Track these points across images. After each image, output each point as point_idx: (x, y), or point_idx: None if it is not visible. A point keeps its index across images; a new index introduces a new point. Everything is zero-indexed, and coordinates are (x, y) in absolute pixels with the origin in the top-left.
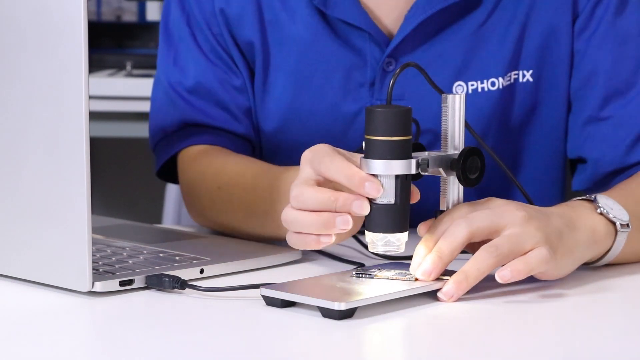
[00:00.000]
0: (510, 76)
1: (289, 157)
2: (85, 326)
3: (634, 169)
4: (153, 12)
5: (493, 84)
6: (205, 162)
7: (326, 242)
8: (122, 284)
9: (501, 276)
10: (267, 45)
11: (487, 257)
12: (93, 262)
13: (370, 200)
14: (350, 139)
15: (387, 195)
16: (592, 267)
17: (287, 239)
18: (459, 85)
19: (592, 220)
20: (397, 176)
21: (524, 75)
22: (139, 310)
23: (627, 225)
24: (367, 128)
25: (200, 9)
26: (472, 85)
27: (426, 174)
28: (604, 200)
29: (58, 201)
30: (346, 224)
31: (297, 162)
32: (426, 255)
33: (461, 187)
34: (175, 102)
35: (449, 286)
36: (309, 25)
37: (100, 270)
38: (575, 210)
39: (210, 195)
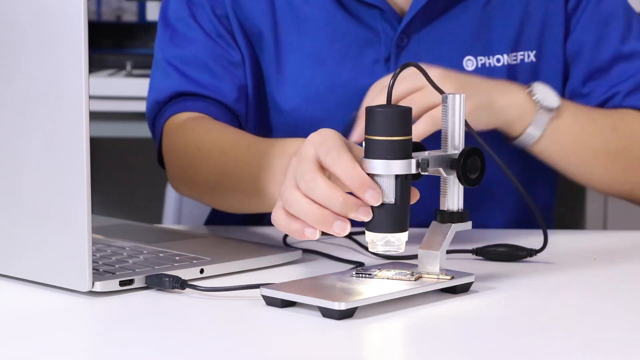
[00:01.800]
0: (516, 56)
1: (307, 133)
2: (85, 326)
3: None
4: (153, 12)
5: (498, 60)
6: (190, 126)
7: (310, 237)
8: (122, 284)
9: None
10: (279, 28)
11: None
12: (93, 262)
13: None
14: None
15: (387, 195)
16: (524, 146)
17: (275, 214)
18: (469, 59)
19: (519, 93)
20: (397, 176)
21: (528, 56)
22: (139, 310)
23: (552, 110)
24: (367, 128)
25: None
26: (481, 60)
27: (426, 173)
28: (540, 86)
29: (58, 201)
30: (343, 230)
31: None
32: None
33: (461, 187)
34: (169, 73)
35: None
36: (323, 6)
37: (100, 270)
38: (505, 83)
39: (189, 156)
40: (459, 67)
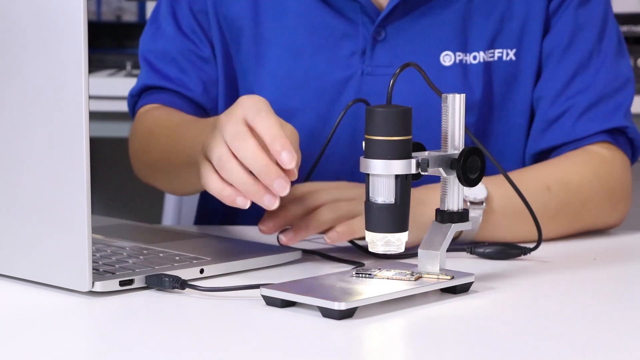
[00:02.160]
0: (493, 53)
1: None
2: (85, 326)
3: (575, 143)
4: None
5: (475, 57)
6: (148, 115)
7: (241, 205)
8: (122, 283)
9: (329, 236)
10: (260, 21)
11: (327, 213)
12: (93, 262)
13: (371, 200)
14: (342, 103)
15: (387, 195)
16: (469, 242)
17: (207, 177)
18: (447, 55)
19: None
20: (397, 176)
21: (507, 54)
22: (139, 310)
23: (482, 203)
24: (367, 128)
25: None
26: (459, 56)
27: (426, 173)
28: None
29: (58, 201)
30: (271, 204)
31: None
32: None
33: (461, 187)
34: (142, 67)
35: (291, 233)
36: (308, 1)
37: (100, 270)
38: (429, 189)
39: (142, 140)
40: (436, 62)
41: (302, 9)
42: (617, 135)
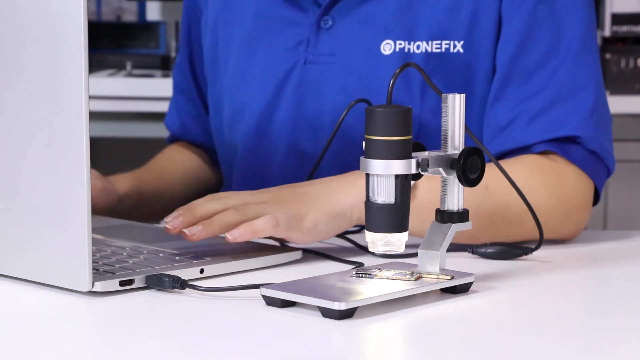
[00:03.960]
0: (440, 44)
1: (236, 118)
2: (85, 326)
3: (521, 152)
4: (153, 12)
5: (418, 47)
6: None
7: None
8: (122, 283)
9: (230, 234)
10: (228, 23)
11: (233, 214)
12: (93, 262)
13: (370, 200)
14: (286, 93)
15: (387, 195)
16: None
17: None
18: (387, 43)
19: (363, 183)
20: (397, 176)
21: (454, 46)
22: (139, 310)
23: None
24: (367, 128)
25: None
26: (400, 44)
27: (426, 173)
28: None
29: (58, 201)
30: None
31: (242, 120)
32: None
33: (461, 187)
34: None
35: (197, 228)
36: None
37: (100, 270)
38: (351, 176)
39: None
40: (376, 50)
41: (261, 5)
42: (568, 145)
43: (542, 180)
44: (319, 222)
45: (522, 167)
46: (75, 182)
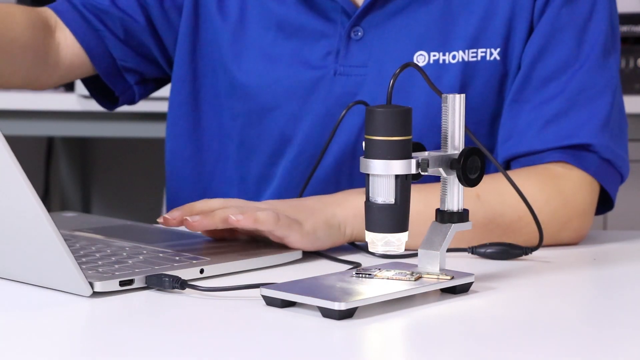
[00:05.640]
0: (476, 52)
1: (258, 120)
2: (86, 326)
3: (531, 157)
4: None
5: (454, 57)
6: None
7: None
8: (122, 284)
9: (235, 216)
10: (245, 20)
11: (233, 209)
12: (93, 262)
13: (371, 200)
14: (312, 104)
15: (387, 196)
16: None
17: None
18: (421, 54)
19: (359, 199)
20: (397, 176)
21: (491, 54)
22: (139, 310)
23: None
24: (367, 128)
25: None
26: (434, 56)
27: (426, 174)
28: None
29: (28, 227)
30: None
31: (264, 123)
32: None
33: (461, 187)
34: None
35: (197, 217)
36: (287, 1)
37: (100, 270)
38: (347, 193)
39: None
40: (409, 60)
41: (284, 11)
42: (580, 152)
43: (539, 186)
44: (318, 229)
45: (519, 173)
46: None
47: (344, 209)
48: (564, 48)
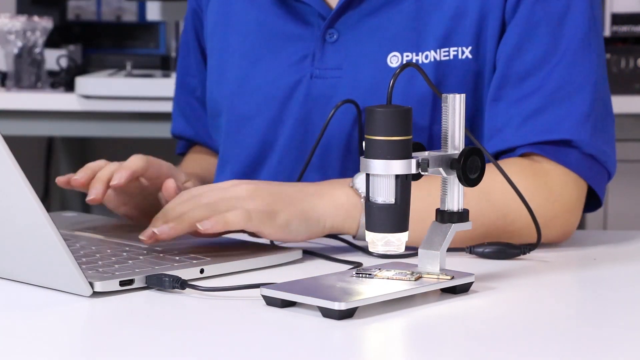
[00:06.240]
0: (448, 51)
1: (237, 128)
2: (86, 326)
3: (511, 153)
4: (153, 12)
5: (427, 57)
6: None
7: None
8: (122, 283)
9: (202, 224)
10: (227, 30)
11: (202, 210)
12: (93, 262)
13: (371, 200)
14: (291, 108)
15: (387, 195)
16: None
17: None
18: (394, 55)
19: (341, 192)
20: (397, 176)
21: (462, 52)
22: (139, 310)
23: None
24: (367, 128)
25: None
26: (408, 56)
27: (426, 173)
28: (361, 177)
29: (28, 227)
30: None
31: (243, 132)
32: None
33: (461, 187)
34: None
35: (167, 226)
36: (262, 6)
37: (100, 270)
38: (328, 184)
39: None
40: (383, 63)
41: (263, 16)
42: (560, 148)
43: (523, 183)
44: (292, 221)
45: (506, 168)
46: (32, 214)
47: (325, 201)
48: (540, 44)
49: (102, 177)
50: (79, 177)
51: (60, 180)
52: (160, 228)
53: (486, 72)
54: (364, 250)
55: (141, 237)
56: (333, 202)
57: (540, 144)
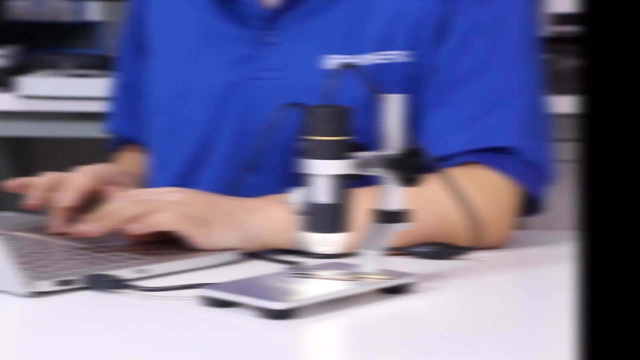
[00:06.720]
0: (385, 55)
1: (175, 131)
2: (23, 326)
3: (447, 162)
4: (92, 12)
5: (363, 60)
6: None
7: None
8: (60, 283)
9: (130, 228)
10: (161, 31)
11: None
12: (31, 262)
13: (310, 200)
14: (229, 110)
15: (326, 196)
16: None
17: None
18: (331, 58)
19: (277, 207)
20: (336, 176)
21: (399, 56)
22: (76, 311)
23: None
24: (306, 128)
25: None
26: (344, 59)
27: (365, 174)
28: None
29: None
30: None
31: (182, 133)
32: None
33: (401, 187)
34: None
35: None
36: (202, 6)
37: (39, 270)
38: (265, 199)
39: None
40: (321, 65)
41: (203, 16)
42: (498, 155)
43: (462, 188)
44: (224, 232)
45: (431, 184)
46: None
47: (259, 216)
48: (477, 50)
49: (59, 204)
50: (32, 201)
51: (11, 184)
52: (89, 226)
53: (423, 76)
54: (304, 250)
55: (70, 231)
56: (268, 217)
57: (478, 151)
